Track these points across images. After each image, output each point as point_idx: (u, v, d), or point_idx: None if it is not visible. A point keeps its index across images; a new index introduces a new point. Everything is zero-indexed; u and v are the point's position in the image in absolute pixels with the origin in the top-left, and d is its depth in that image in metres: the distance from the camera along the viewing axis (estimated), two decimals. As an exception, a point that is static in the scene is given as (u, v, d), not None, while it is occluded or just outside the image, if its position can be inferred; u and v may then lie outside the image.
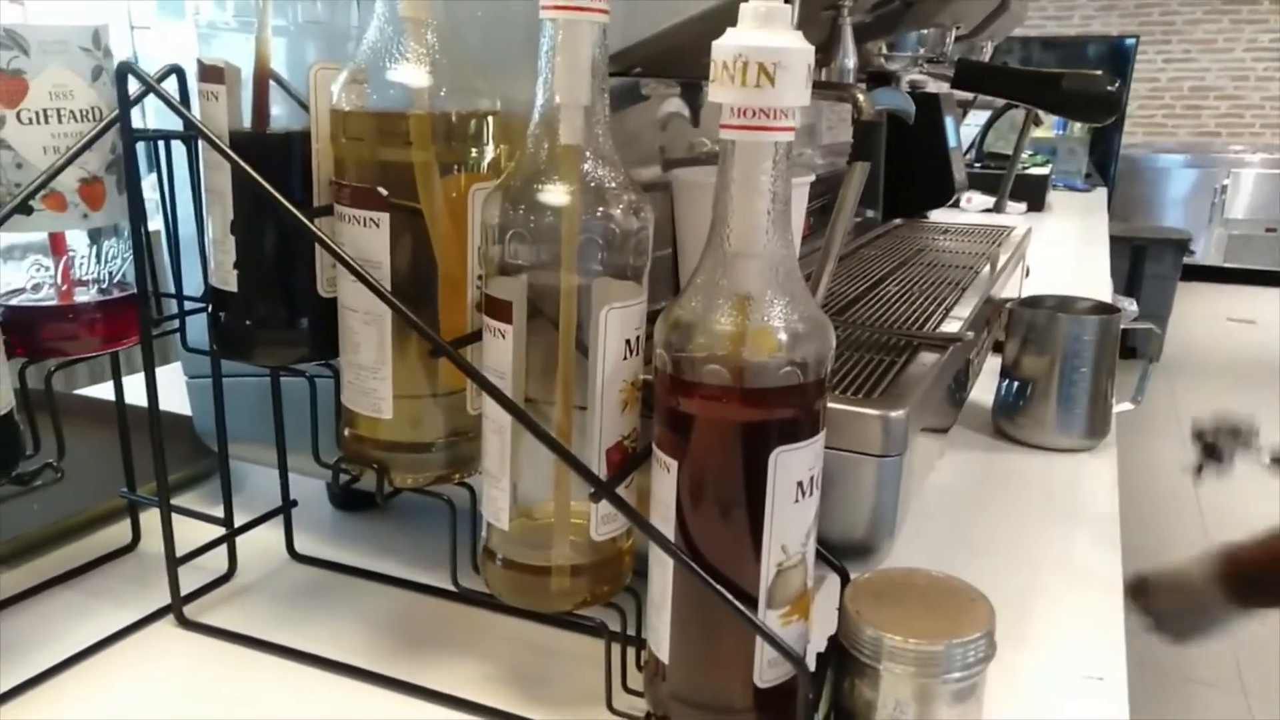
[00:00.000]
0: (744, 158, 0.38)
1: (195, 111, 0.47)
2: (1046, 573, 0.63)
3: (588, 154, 0.42)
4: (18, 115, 0.45)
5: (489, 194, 0.42)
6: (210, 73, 0.45)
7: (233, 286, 0.48)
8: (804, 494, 0.40)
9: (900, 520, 0.49)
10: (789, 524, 0.40)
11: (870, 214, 1.09)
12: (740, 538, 0.40)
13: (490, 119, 0.45)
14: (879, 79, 0.71)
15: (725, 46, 0.37)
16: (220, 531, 0.57)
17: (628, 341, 0.43)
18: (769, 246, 0.39)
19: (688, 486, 0.40)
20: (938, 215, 1.23)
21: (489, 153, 0.45)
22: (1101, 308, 0.85)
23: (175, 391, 0.63)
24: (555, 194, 0.41)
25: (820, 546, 0.49)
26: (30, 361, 0.49)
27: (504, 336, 0.42)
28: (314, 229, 0.43)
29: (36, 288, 0.49)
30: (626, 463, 0.44)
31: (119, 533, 0.63)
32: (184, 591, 0.56)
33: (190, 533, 0.56)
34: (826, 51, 0.54)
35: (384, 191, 0.43)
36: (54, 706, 0.48)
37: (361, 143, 0.43)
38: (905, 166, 1.16)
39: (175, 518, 0.56)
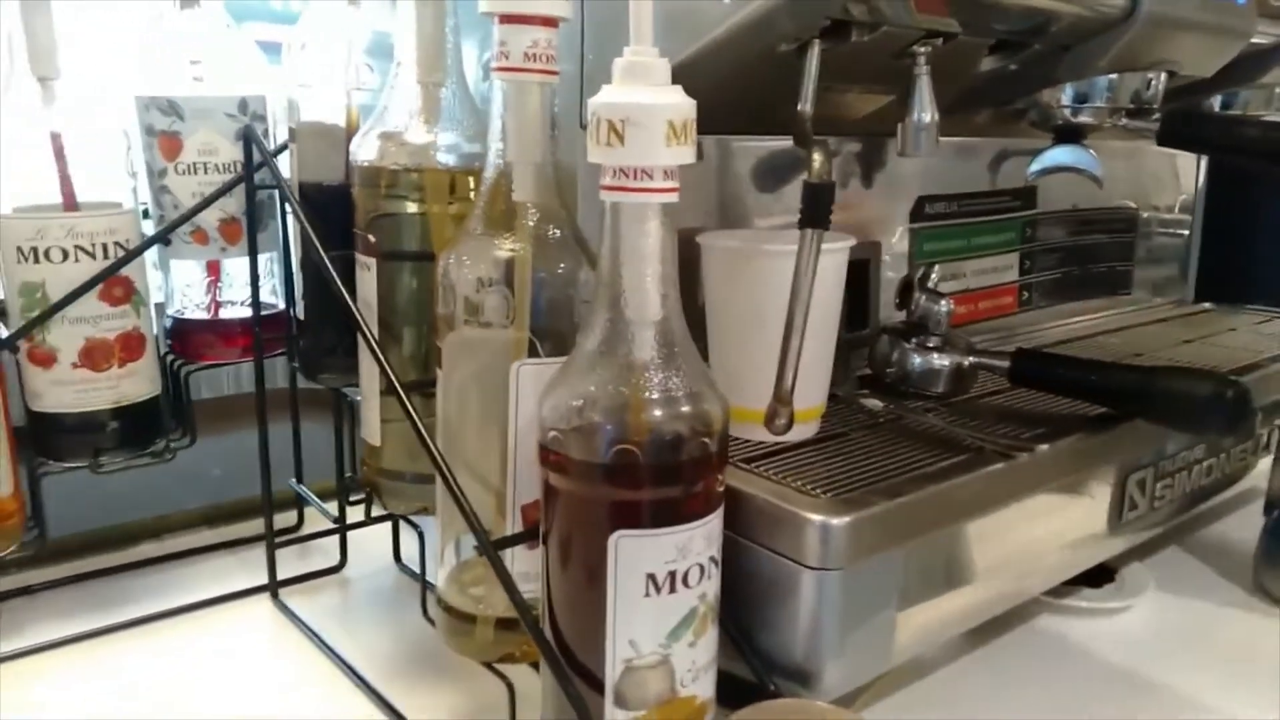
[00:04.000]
0: (624, 218, 0.36)
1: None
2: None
3: (532, 210, 0.42)
4: (175, 168, 0.57)
5: (445, 248, 0.44)
6: (290, 133, 0.53)
7: (302, 315, 0.55)
8: (659, 589, 0.36)
9: (876, 648, 0.42)
10: (638, 619, 0.36)
11: (1174, 296, 0.90)
12: (586, 625, 0.37)
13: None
14: (1068, 134, 0.60)
15: (590, 104, 0.35)
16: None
17: (547, 399, 0.42)
18: (647, 313, 0.36)
19: (547, 560, 0.38)
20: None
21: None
22: None
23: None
24: (499, 248, 0.42)
25: (757, 660, 0.43)
26: (185, 363, 0.61)
27: (440, 384, 0.44)
28: (327, 264, 0.48)
29: (196, 304, 0.61)
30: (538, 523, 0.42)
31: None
32: (299, 573, 0.65)
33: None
34: (903, 106, 0.48)
35: (372, 238, 0.47)
36: (151, 644, 0.58)
37: (367, 193, 0.48)
38: (1240, 243, 0.94)
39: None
